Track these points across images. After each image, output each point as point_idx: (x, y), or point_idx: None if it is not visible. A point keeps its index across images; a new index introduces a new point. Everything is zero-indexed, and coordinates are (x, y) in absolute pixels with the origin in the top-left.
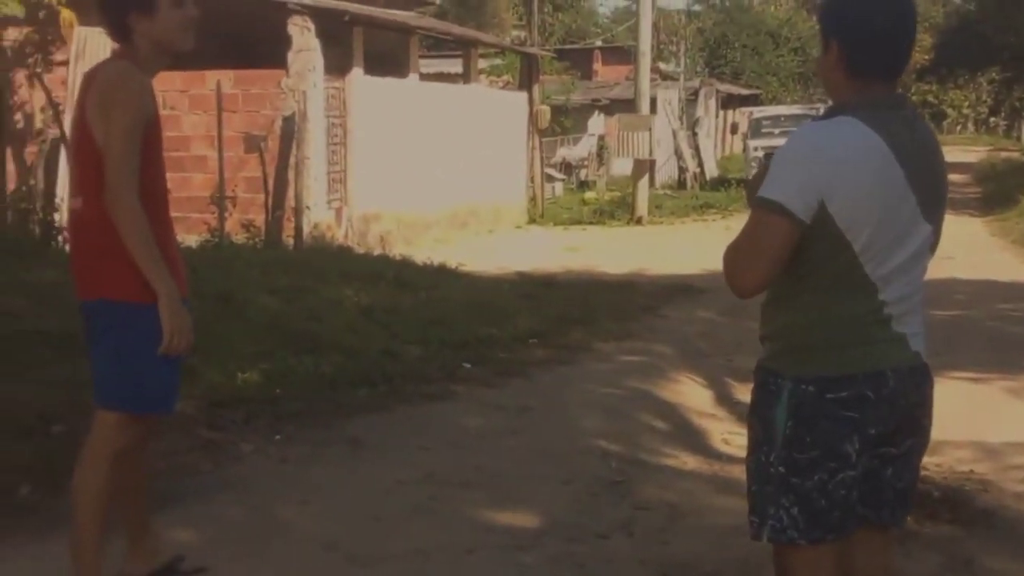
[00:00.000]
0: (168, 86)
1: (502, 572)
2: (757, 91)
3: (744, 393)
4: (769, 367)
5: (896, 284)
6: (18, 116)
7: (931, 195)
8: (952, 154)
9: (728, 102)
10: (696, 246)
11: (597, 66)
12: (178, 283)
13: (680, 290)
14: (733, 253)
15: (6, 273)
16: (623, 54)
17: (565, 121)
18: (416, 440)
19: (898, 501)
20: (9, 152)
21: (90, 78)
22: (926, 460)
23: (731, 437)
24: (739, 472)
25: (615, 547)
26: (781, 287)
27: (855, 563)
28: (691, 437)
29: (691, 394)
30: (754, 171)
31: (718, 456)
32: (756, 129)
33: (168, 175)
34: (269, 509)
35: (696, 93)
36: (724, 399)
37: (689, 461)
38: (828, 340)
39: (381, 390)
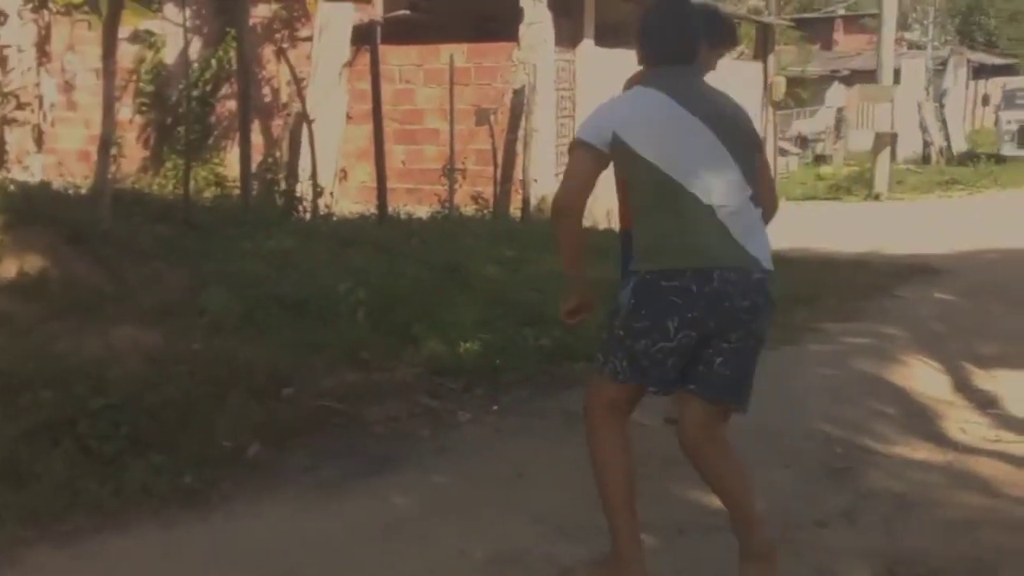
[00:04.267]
0: (404, 60)
1: (713, 554)
2: (1013, 60)
3: (986, 381)
4: (632, 268)
5: (725, 204)
6: (265, 90)
7: (732, 139)
8: None
9: (980, 72)
10: (937, 224)
11: (838, 35)
12: None
13: (917, 270)
14: (558, 187)
15: (251, 240)
16: (866, 23)
17: (802, 93)
18: (633, 415)
19: (730, 385)
20: (257, 125)
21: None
22: None
23: (969, 426)
24: (976, 463)
25: (835, 536)
26: (635, 214)
27: (682, 417)
28: (923, 424)
29: (924, 379)
30: (1006, 143)
31: (953, 445)
32: (1010, 100)
33: (402, 147)
34: (482, 479)
35: (944, 63)
36: (962, 385)
37: (920, 449)
38: (664, 243)
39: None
